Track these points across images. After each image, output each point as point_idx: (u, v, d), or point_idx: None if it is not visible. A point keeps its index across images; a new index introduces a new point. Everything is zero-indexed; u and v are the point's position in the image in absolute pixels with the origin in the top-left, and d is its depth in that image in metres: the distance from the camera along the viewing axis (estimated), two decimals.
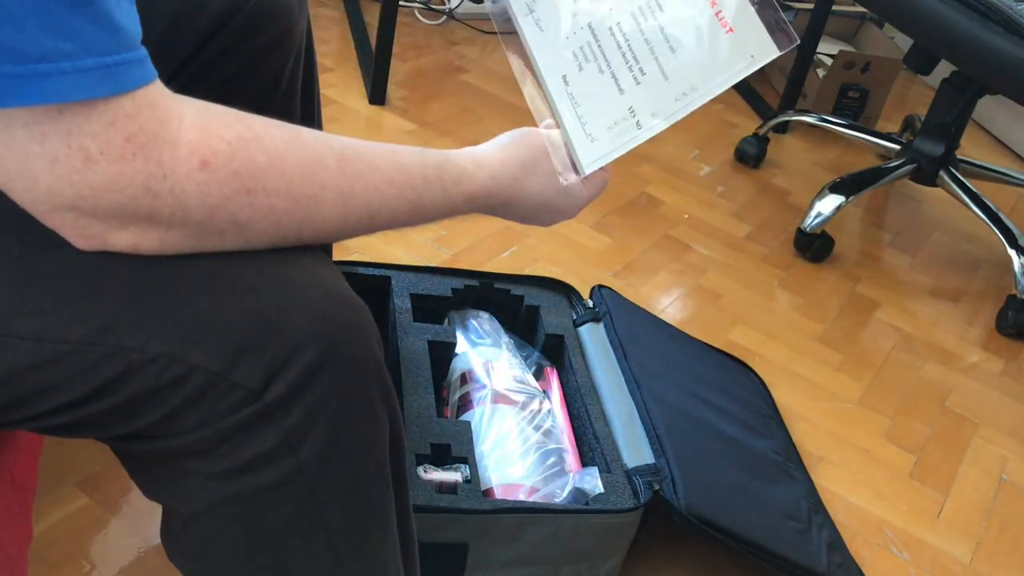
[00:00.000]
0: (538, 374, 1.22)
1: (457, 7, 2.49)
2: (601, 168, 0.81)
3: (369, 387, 0.62)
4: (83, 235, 0.54)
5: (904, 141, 1.96)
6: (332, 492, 0.63)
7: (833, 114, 2.27)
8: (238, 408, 0.58)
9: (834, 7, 2.18)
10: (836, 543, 1.20)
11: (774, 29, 0.76)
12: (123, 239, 0.55)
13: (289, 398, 0.59)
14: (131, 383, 0.57)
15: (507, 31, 0.84)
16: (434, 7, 2.49)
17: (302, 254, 0.62)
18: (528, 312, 1.28)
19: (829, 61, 2.30)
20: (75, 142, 0.50)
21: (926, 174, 1.87)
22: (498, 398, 1.11)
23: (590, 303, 1.32)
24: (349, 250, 1.54)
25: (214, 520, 0.63)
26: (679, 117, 0.78)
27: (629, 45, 0.79)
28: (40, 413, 0.60)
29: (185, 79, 0.82)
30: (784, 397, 1.46)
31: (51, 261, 0.57)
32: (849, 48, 2.51)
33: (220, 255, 0.59)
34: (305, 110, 0.98)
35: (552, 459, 1.07)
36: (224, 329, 0.57)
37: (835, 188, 1.81)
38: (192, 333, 0.57)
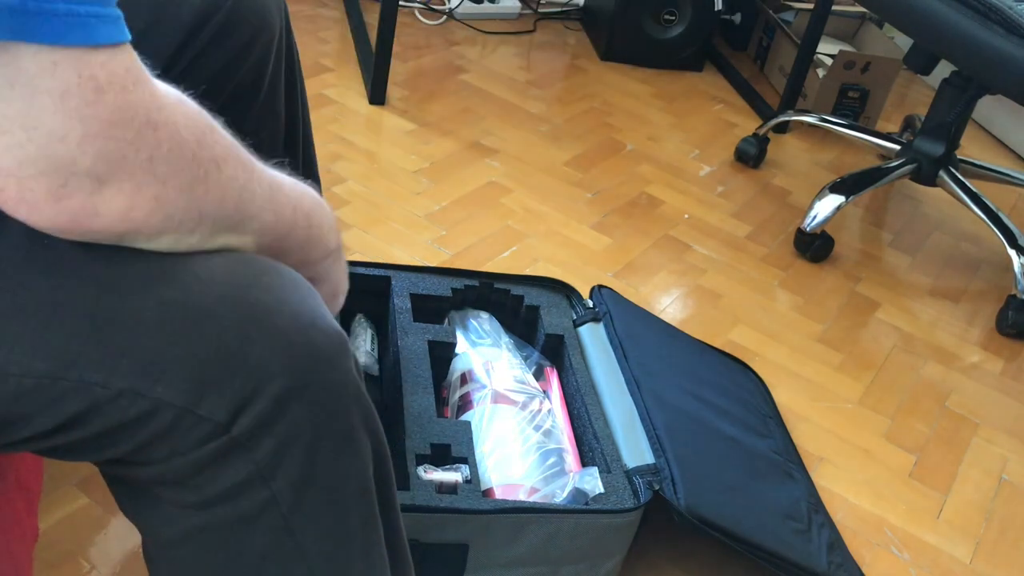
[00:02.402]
0: (538, 374, 1.22)
1: (457, 7, 2.49)
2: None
3: (346, 414, 0.60)
4: (71, 204, 0.51)
5: (904, 141, 1.96)
6: (308, 522, 0.62)
7: (833, 114, 2.27)
8: (207, 441, 0.57)
9: (834, 7, 2.18)
10: (836, 543, 1.20)
11: None
12: (117, 203, 0.52)
13: (258, 430, 0.57)
14: (98, 417, 0.56)
15: None
16: (434, 7, 2.49)
17: (270, 275, 0.59)
18: (528, 312, 1.28)
19: (829, 61, 2.31)
20: (84, 74, 0.48)
21: (926, 174, 1.87)
22: (498, 398, 1.11)
23: (590, 303, 1.32)
24: (349, 250, 1.54)
25: (190, 548, 0.62)
26: None
27: None
28: (11, 442, 0.59)
29: (168, 80, 0.83)
30: (784, 397, 1.46)
31: (11, 292, 0.55)
32: (849, 48, 2.51)
33: (177, 284, 0.56)
34: (289, 109, 0.98)
35: (552, 459, 1.07)
36: (185, 362, 0.55)
37: (835, 188, 1.81)
38: (153, 367, 0.55)
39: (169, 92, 0.54)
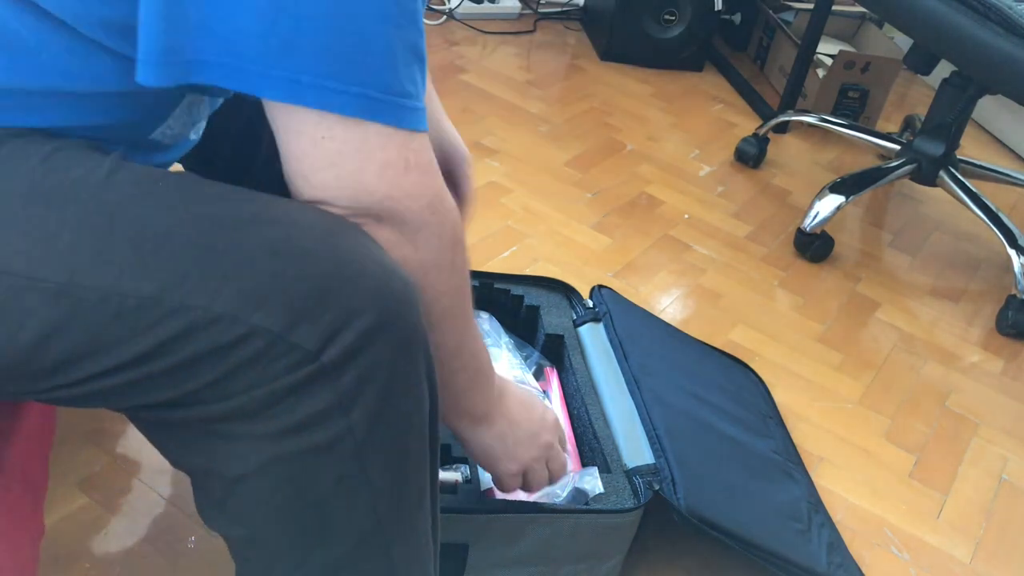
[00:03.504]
0: (538, 374, 1.22)
1: (457, 7, 2.49)
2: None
3: (416, 357, 0.65)
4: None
5: (904, 141, 1.96)
6: (378, 456, 0.65)
7: (833, 114, 2.27)
8: (294, 369, 0.61)
9: (834, 7, 2.18)
10: (836, 543, 1.20)
11: None
12: (381, 242, 0.65)
13: (344, 360, 0.61)
14: (192, 342, 0.60)
15: None
16: (434, 7, 2.49)
17: (357, 230, 0.65)
18: (528, 312, 1.28)
19: (829, 61, 2.31)
20: (402, 153, 0.64)
21: (926, 174, 1.87)
22: None
23: (590, 303, 1.32)
24: None
25: (261, 481, 0.65)
26: None
27: None
28: (95, 374, 0.61)
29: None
30: (784, 397, 1.46)
31: (123, 218, 0.60)
32: (849, 48, 2.51)
33: (280, 225, 0.62)
34: None
35: None
36: (286, 292, 0.60)
37: (835, 188, 1.81)
38: (255, 295, 0.60)
39: (449, 194, 0.69)
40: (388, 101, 0.62)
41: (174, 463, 0.70)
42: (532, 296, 1.28)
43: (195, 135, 0.80)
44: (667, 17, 2.41)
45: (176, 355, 0.60)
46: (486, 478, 1.03)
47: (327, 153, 0.63)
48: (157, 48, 0.59)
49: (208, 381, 0.61)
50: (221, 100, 0.81)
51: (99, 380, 0.61)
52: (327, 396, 0.62)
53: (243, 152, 0.93)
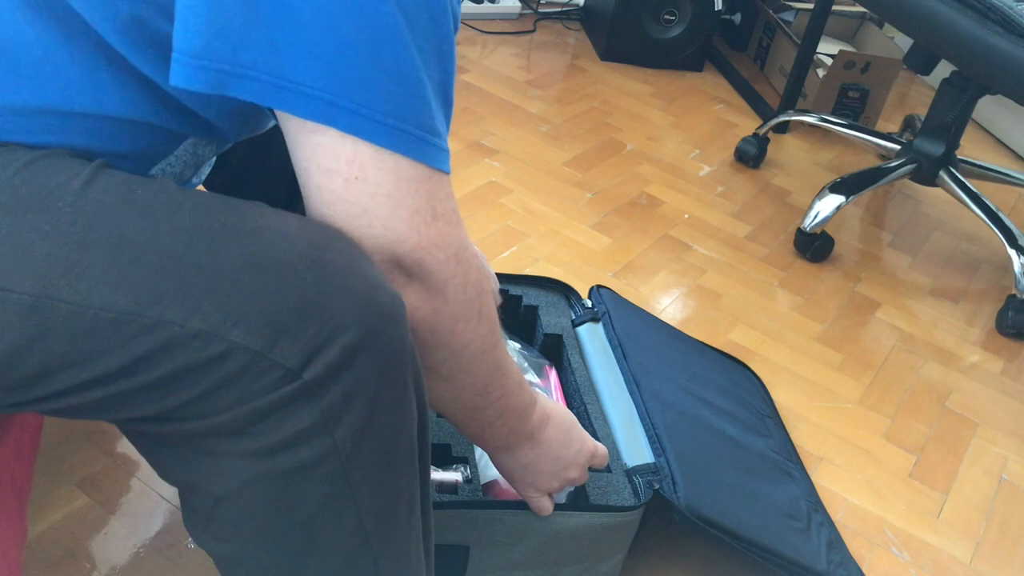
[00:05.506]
0: (538, 373, 1.22)
1: None
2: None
3: (403, 373, 0.64)
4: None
5: (904, 141, 1.96)
6: (364, 474, 0.64)
7: (833, 114, 2.27)
8: (276, 387, 0.59)
9: (834, 7, 2.18)
10: (836, 542, 1.20)
11: None
12: (410, 299, 0.66)
13: (328, 378, 0.60)
14: (169, 358, 0.58)
15: None
16: None
17: (341, 241, 0.63)
18: (527, 312, 1.28)
19: (829, 61, 2.31)
20: (430, 202, 0.64)
21: (926, 174, 1.87)
22: None
23: (589, 303, 1.32)
24: None
25: (247, 499, 0.64)
26: None
27: None
28: (71, 387, 0.60)
29: None
30: (784, 397, 1.46)
31: (100, 228, 0.59)
32: (849, 48, 2.51)
33: (262, 238, 0.60)
34: None
35: None
36: (266, 308, 0.58)
37: (835, 188, 1.81)
38: (234, 311, 0.58)
39: (471, 243, 0.70)
40: (420, 137, 0.62)
41: (163, 476, 0.69)
42: (530, 296, 1.28)
43: (197, 179, 0.78)
44: (667, 17, 2.41)
45: (154, 371, 0.58)
46: (487, 475, 1.03)
47: (359, 197, 0.62)
48: (194, 48, 0.58)
49: (189, 398, 0.60)
50: (229, 144, 0.79)
51: (76, 394, 0.60)
52: (311, 414, 0.60)
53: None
